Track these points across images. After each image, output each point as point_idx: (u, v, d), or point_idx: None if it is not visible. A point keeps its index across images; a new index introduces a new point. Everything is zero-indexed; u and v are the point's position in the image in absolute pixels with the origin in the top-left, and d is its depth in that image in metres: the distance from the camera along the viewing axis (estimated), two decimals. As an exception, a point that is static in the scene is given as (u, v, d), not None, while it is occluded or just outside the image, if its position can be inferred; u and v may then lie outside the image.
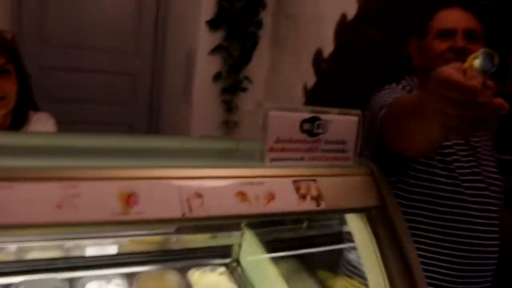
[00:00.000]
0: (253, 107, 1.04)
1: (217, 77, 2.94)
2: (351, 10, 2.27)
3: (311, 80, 2.61)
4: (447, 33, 1.42)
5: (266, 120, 0.96)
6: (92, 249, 1.29)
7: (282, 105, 0.99)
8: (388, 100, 1.29)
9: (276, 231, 1.56)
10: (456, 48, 1.39)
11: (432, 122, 0.83)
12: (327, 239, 1.60)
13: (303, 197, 0.96)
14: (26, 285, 1.20)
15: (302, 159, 1.01)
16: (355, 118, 1.05)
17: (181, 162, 0.92)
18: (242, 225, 1.43)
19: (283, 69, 2.91)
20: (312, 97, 2.62)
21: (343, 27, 2.33)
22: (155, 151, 1.06)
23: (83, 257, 1.29)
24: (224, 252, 1.49)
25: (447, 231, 1.38)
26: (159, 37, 3.58)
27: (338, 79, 2.54)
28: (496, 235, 1.43)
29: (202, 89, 2.97)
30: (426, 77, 1.44)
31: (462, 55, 1.36)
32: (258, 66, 3.04)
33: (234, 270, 1.46)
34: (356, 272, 1.45)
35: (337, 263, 1.57)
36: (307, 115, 1.00)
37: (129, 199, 0.82)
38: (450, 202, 1.37)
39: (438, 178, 1.37)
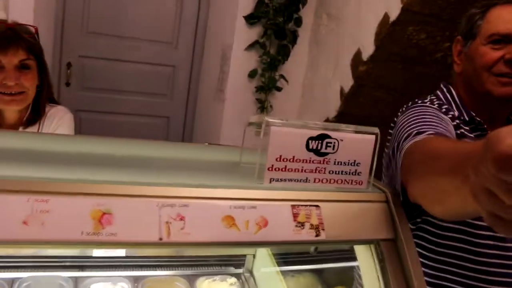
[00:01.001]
0: (255, 118, 0.94)
1: (252, 74, 2.85)
2: (395, 11, 2.12)
3: (349, 83, 2.48)
4: (502, 39, 1.14)
5: (267, 135, 0.87)
6: (100, 250, 1.25)
7: (288, 121, 0.89)
8: (416, 128, 1.03)
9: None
10: (511, 59, 1.12)
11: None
12: (345, 254, 1.52)
13: (300, 225, 0.86)
14: (31, 280, 1.20)
15: (307, 180, 0.91)
16: (371, 137, 0.94)
17: (167, 178, 0.84)
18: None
19: (322, 70, 2.78)
20: (349, 101, 2.49)
21: (385, 29, 2.18)
22: (150, 161, 0.99)
23: (90, 257, 1.26)
24: (237, 261, 1.44)
25: (481, 285, 1.15)
26: (199, 30, 3.54)
27: (376, 84, 2.40)
28: None
29: (236, 86, 2.90)
30: (470, 91, 1.24)
31: None
32: (296, 65, 2.92)
33: (247, 281, 1.40)
34: None
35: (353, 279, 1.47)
36: (315, 132, 0.90)
37: (103, 218, 0.75)
38: (488, 251, 1.13)
39: (477, 222, 1.13)
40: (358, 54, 2.37)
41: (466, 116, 1.23)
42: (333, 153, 0.92)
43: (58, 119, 1.63)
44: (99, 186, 0.77)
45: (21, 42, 1.49)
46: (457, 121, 1.22)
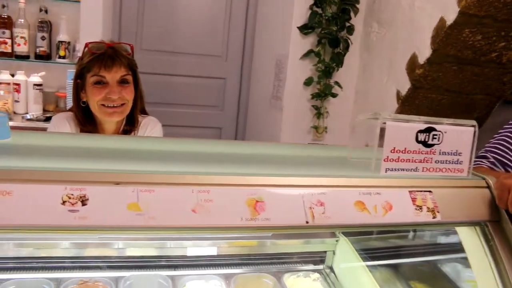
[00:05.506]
0: (365, 116, 1.05)
1: (308, 82, 2.97)
2: (452, 14, 2.21)
3: (405, 86, 2.57)
4: None
5: (382, 130, 0.97)
6: (193, 250, 1.35)
7: (397, 115, 1.00)
8: (485, 150, 1.24)
9: (370, 239, 1.55)
10: None
11: None
12: (422, 250, 1.57)
13: (419, 208, 0.96)
14: (133, 279, 1.30)
15: (416, 169, 1.02)
16: (471, 129, 1.04)
17: (301, 171, 0.96)
18: (337, 232, 1.44)
19: (375, 74, 2.88)
20: (405, 103, 2.57)
21: (442, 32, 2.27)
22: (269, 158, 1.11)
23: (184, 256, 1.36)
24: (317, 258, 1.50)
25: None
26: (247, 42, 3.69)
27: (431, 86, 2.48)
28: None
29: (292, 94, 3.01)
30: None
31: None
32: (349, 72, 3.03)
33: (327, 276, 1.46)
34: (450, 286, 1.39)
35: (431, 275, 1.53)
36: (423, 126, 1.00)
37: (257, 205, 0.86)
38: None
39: None
40: (414, 57, 2.46)
41: None
42: (438, 144, 1.02)
43: (151, 128, 1.77)
44: (250, 178, 0.88)
45: (122, 59, 1.63)
46: None
